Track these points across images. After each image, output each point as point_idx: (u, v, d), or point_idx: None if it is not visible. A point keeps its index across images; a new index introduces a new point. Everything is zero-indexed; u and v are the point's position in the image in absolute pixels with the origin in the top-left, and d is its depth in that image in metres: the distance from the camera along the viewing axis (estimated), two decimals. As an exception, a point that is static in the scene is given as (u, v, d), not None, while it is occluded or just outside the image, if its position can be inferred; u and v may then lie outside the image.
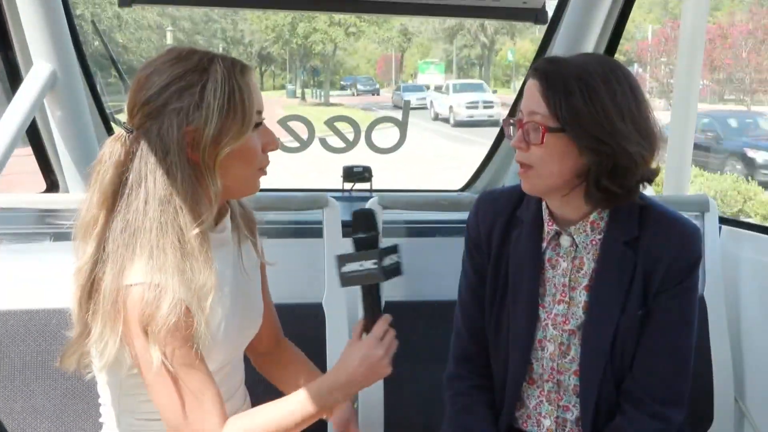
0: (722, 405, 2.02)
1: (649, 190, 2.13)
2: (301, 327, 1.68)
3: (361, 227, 1.28)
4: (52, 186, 2.53)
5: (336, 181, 2.80)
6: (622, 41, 2.56)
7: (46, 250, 1.96)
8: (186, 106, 1.19)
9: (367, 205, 1.98)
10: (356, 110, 24.22)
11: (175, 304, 1.15)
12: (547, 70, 1.34)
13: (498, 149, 2.85)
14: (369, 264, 1.25)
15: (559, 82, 1.31)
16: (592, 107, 1.30)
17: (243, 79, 1.24)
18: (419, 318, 1.98)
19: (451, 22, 34.35)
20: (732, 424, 2.04)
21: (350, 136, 2.53)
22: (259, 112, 1.27)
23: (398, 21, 33.08)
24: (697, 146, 2.64)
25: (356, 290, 1.95)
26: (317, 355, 1.67)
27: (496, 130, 3.02)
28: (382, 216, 1.98)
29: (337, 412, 1.44)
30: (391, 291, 1.98)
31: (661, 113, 1.50)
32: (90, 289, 1.19)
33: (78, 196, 1.49)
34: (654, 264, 1.40)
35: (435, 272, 2.03)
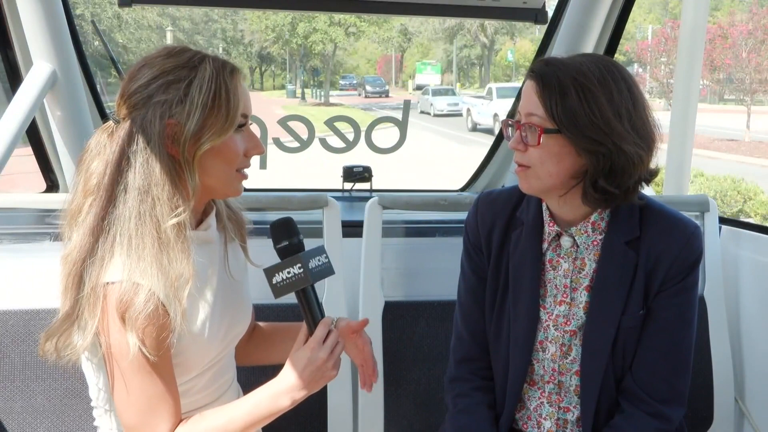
0: (722, 405, 2.02)
1: (649, 191, 2.13)
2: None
3: (283, 236, 1.29)
4: (52, 186, 2.53)
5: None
6: (622, 41, 2.56)
7: (46, 250, 1.96)
8: (170, 100, 1.20)
9: (367, 205, 1.98)
10: (356, 110, 24.22)
11: (150, 297, 1.16)
12: (543, 72, 1.34)
13: (498, 149, 2.86)
14: (296, 270, 1.26)
15: (555, 84, 1.31)
16: (588, 108, 1.30)
17: (231, 80, 1.25)
18: (419, 318, 1.98)
19: (451, 22, 34.38)
20: (732, 424, 2.04)
21: (350, 136, 2.53)
22: (245, 116, 1.28)
23: (398, 21, 33.07)
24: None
25: (357, 290, 1.97)
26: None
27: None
28: (382, 216, 1.98)
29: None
30: (391, 291, 1.99)
31: (661, 113, 1.49)
32: (75, 278, 1.20)
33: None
34: (655, 263, 1.40)
35: (435, 272, 2.04)
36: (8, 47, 2.23)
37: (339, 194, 2.73)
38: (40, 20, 2.05)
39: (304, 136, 2.43)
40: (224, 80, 1.23)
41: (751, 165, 15.34)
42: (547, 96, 1.32)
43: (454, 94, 29.38)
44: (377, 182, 2.84)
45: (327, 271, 1.31)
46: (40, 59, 2.11)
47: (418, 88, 37.30)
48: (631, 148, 1.31)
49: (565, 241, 1.44)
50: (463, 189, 3.04)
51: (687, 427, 1.52)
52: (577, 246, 1.44)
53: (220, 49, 32.66)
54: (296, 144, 2.42)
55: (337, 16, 27.77)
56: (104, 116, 2.52)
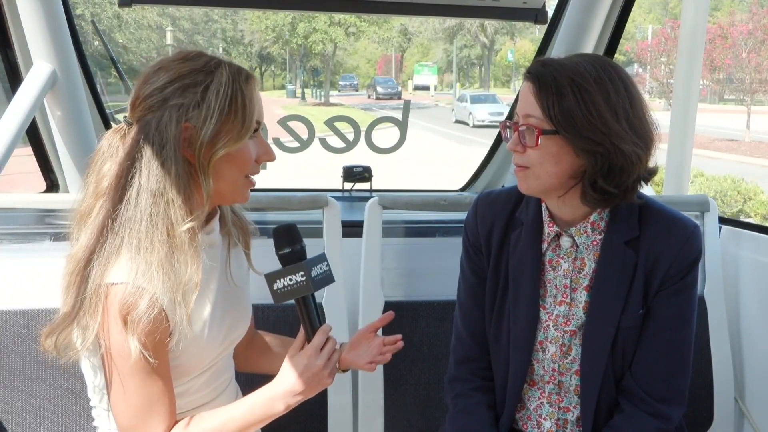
0: (722, 405, 2.02)
1: (649, 191, 2.14)
2: (299, 328, 1.69)
3: (286, 243, 1.29)
4: (52, 186, 2.53)
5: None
6: (622, 41, 2.56)
7: (46, 250, 1.96)
8: (187, 103, 1.20)
9: (367, 205, 1.98)
10: (356, 110, 24.22)
11: (153, 303, 1.16)
12: (540, 73, 1.34)
13: (497, 150, 2.86)
14: (298, 277, 1.26)
15: (552, 84, 1.31)
16: (585, 108, 1.30)
17: (247, 86, 1.25)
18: (419, 318, 1.98)
19: (451, 22, 34.37)
20: (732, 424, 2.04)
21: (350, 136, 2.53)
22: (258, 122, 1.28)
23: (398, 21, 33.07)
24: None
25: (357, 290, 1.97)
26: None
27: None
28: (382, 216, 1.98)
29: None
30: (391, 291, 1.99)
31: (660, 113, 1.49)
32: (79, 276, 1.20)
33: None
34: (655, 263, 1.40)
35: (435, 272, 2.04)
36: (8, 47, 2.23)
37: (339, 194, 2.73)
38: (40, 20, 2.05)
39: (304, 136, 2.43)
40: (240, 86, 1.23)
41: (751, 165, 15.36)
42: (544, 97, 1.32)
43: (495, 101, 26.37)
44: (377, 182, 2.84)
45: (328, 279, 1.31)
46: (40, 59, 2.11)
47: (417, 88, 37.27)
48: (629, 148, 1.30)
49: (565, 241, 1.44)
50: (463, 189, 3.04)
51: (687, 427, 1.52)
52: (577, 246, 1.44)
53: (220, 49, 32.67)
54: (296, 144, 2.42)
55: (337, 16, 27.77)
56: (104, 116, 2.53)
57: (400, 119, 2.58)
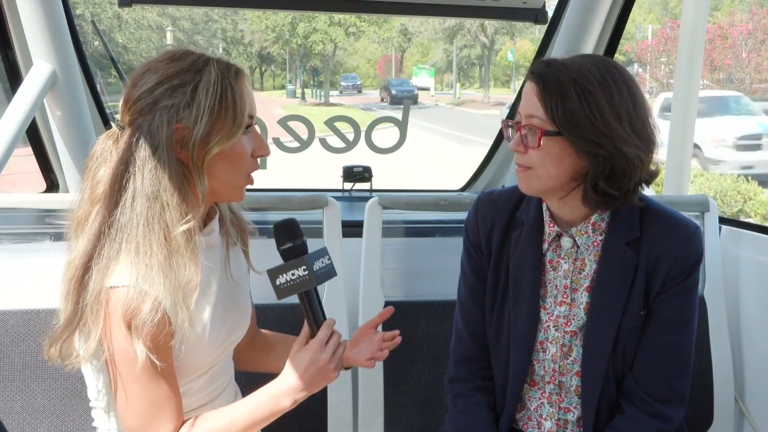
0: (722, 405, 2.02)
1: (649, 191, 2.14)
2: (300, 327, 1.69)
3: (287, 238, 1.29)
4: (52, 186, 2.53)
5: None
6: (622, 41, 2.56)
7: (46, 250, 1.96)
8: (177, 104, 1.20)
9: (367, 205, 1.98)
10: (356, 110, 24.22)
11: (156, 307, 1.16)
12: (544, 73, 1.34)
13: (498, 150, 2.86)
14: (300, 272, 1.26)
15: (555, 86, 1.31)
16: (588, 110, 1.29)
17: (236, 82, 1.24)
18: (419, 318, 1.98)
19: (451, 22, 34.28)
20: (732, 424, 2.04)
21: (350, 136, 2.53)
22: (251, 117, 1.27)
23: (398, 21, 33.02)
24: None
25: (357, 290, 1.97)
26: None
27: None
28: (382, 216, 1.98)
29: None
30: (391, 291, 1.99)
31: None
32: (78, 283, 1.20)
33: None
34: (655, 264, 1.40)
35: (435, 272, 2.04)
36: (8, 47, 2.23)
37: (339, 194, 2.73)
38: (40, 20, 2.05)
39: (304, 136, 2.43)
40: (230, 83, 1.23)
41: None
42: (547, 98, 1.31)
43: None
44: (377, 182, 2.84)
45: (330, 272, 1.31)
46: (40, 59, 2.11)
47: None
48: (631, 151, 1.30)
49: (566, 241, 1.44)
50: (463, 189, 3.04)
51: (687, 427, 1.52)
52: (578, 247, 1.44)
53: (220, 49, 32.64)
54: (296, 144, 2.42)
55: (337, 16, 27.76)
56: (104, 116, 2.52)
57: (400, 119, 2.58)
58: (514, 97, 2.88)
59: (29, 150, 2.44)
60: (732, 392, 2.05)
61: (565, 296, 1.45)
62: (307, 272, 1.26)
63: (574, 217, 1.43)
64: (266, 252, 1.38)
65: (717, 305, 2.05)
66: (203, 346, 1.29)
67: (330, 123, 2.59)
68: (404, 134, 2.57)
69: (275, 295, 1.28)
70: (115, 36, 26.32)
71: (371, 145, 2.52)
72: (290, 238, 1.29)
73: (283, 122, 2.41)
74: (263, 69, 40.28)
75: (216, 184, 1.26)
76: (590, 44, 2.38)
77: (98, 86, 2.51)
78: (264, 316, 1.78)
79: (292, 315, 1.85)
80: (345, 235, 1.95)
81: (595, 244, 1.43)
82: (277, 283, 1.27)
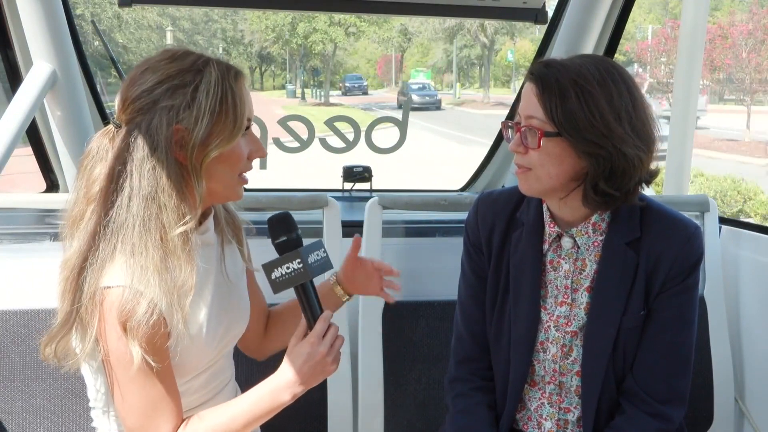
0: (722, 405, 2.03)
1: (649, 191, 2.14)
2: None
3: (281, 231, 1.29)
4: (52, 186, 2.53)
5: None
6: (622, 41, 2.56)
7: (46, 250, 1.96)
8: (177, 105, 1.19)
9: (367, 205, 1.98)
10: (356, 110, 24.21)
11: (152, 308, 1.15)
12: (543, 74, 1.33)
13: (498, 150, 2.86)
14: (295, 265, 1.26)
15: (555, 86, 1.31)
16: (588, 111, 1.29)
17: (236, 84, 1.24)
18: (419, 318, 1.98)
19: (451, 22, 34.28)
20: (732, 424, 2.04)
21: (350, 136, 2.53)
22: (249, 119, 1.27)
23: (398, 21, 33.03)
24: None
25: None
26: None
27: None
28: (382, 216, 1.98)
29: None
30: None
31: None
32: (73, 283, 1.19)
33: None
34: (656, 264, 1.40)
35: (435, 272, 2.04)
36: (8, 47, 2.23)
37: (339, 194, 2.73)
38: (40, 20, 2.05)
39: (304, 136, 2.43)
40: (230, 85, 1.22)
41: (751, 165, 15.35)
42: (547, 98, 1.31)
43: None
44: (377, 182, 2.84)
45: (326, 265, 1.31)
46: (40, 59, 2.11)
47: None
48: (631, 151, 1.30)
49: (566, 242, 1.44)
50: (463, 189, 3.04)
51: (687, 427, 1.52)
52: (578, 247, 1.44)
53: (220, 49, 32.66)
54: (296, 144, 2.42)
55: (337, 16, 27.76)
56: (104, 116, 2.52)
57: (400, 119, 2.58)
58: (514, 97, 2.88)
59: (29, 150, 2.44)
60: (732, 392, 2.05)
61: (565, 296, 1.45)
62: (301, 265, 1.26)
63: (574, 217, 1.43)
64: (266, 251, 1.38)
65: (717, 305, 2.05)
66: (200, 346, 1.28)
67: (330, 123, 2.59)
68: (404, 134, 2.57)
69: (271, 290, 1.28)
70: (115, 36, 26.32)
71: (371, 145, 2.52)
72: (284, 232, 1.29)
73: (283, 122, 2.41)
74: (263, 69, 40.29)
75: (213, 185, 1.26)
76: (590, 44, 2.38)
77: (98, 86, 2.51)
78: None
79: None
80: (345, 235, 1.95)
81: (596, 244, 1.43)
82: (273, 277, 1.26)
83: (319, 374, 1.27)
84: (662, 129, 1.44)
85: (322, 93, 32.31)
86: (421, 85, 30.16)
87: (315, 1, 2.24)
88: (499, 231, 1.51)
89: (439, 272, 1.98)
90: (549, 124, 1.32)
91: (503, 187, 2.81)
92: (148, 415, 1.21)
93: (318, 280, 1.67)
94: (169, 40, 28.27)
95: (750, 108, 19.52)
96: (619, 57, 2.53)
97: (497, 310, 1.50)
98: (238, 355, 1.51)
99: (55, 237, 1.99)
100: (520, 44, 37.51)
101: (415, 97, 26.81)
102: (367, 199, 2.02)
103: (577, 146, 1.31)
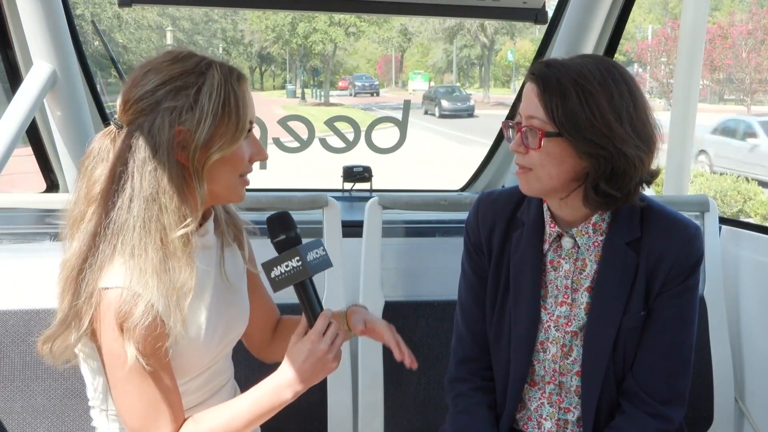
0: (722, 405, 2.03)
1: (649, 191, 2.14)
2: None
3: (280, 230, 1.29)
4: (52, 186, 2.53)
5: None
6: (622, 41, 2.57)
7: (46, 250, 1.96)
8: (180, 106, 1.19)
9: (367, 205, 1.98)
10: (356, 110, 24.21)
11: (149, 310, 1.15)
12: (544, 74, 1.33)
13: (498, 150, 2.86)
14: (294, 263, 1.26)
15: (556, 86, 1.31)
16: (589, 111, 1.29)
17: (239, 86, 1.24)
18: (419, 318, 1.98)
19: (451, 22, 34.25)
20: (732, 424, 2.04)
21: (350, 136, 2.53)
22: (251, 122, 1.27)
23: (398, 21, 33.01)
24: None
25: (357, 290, 1.97)
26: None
27: None
28: (382, 216, 1.98)
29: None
30: (391, 291, 1.99)
31: (661, 113, 1.49)
32: (72, 283, 1.19)
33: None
34: (656, 264, 1.40)
35: (435, 272, 2.04)
36: (8, 47, 2.23)
37: (339, 194, 2.73)
38: (40, 20, 2.05)
39: (304, 136, 2.43)
40: (233, 87, 1.22)
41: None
42: (547, 99, 1.31)
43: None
44: (377, 182, 2.84)
45: (325, 263, 1.30)
46: (40, 59, 2.11)
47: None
48: (632, 151, 1.30)
49: (566, 242, 1.44)
50: (463, 189, 3.04)
51: (687, 427, 1.52)
52: (578, 247, 1.44)
53: (220, 49, 32.67)
54: (296, 144, 2.43)
55: (337, 16, 27.76)
56: (104, 116, 2.52)
57: (400, 119, 2.58)
58: (514, 97, 2.88)
59: (29, 150, 2.45)
60: (732, 392, 2.05)
61: (565, 296, 1.45)
62: (300, 263, 1.26)
63: (574, 217, 1.43)
64: (266, 251, 1.38)
65: (717, 305, 2.05)
66: (199, 348, 1.28)
67: (330, 123, 2.59)
68: (404, 134, 2.57)
69: (271, 288, 1.28)
70: (115, 36, 26.32)
71: (371, 145, 2.52)
72: (283, 230, 1.29)
73: (283, 122, 2.41)
74: (263, 69, 40.27)
75: (214, 187, 1.26)
76: (590, 44, 2.38)
77: (98, 86, 2.51)
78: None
79: (291, 312, 1.85)
80: (345, 235, 1.95)
81: (596, 244, 1.43)
82: (272, 275, 1.27)
83: (321, 371, 1.27)
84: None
85: (322, 93, 32.30)
86: (449, 88, 26.43)
87: (315, 1, 2.24)
88: (499, 231, 1.51)
89: (439, 272, 1.98)
90: (550, 124, 1.32)
91: (503, 187, 2.81)
92: (149, 415, 1.21)
93: (331, 295, 1.67)
94: (169, 40, 28.27)
95: (750, 108, 19.52)
96: (619, 57, 2.53)
97: (497, 310, 1.50)
98: (238, 355, 1.51)
99: (55, 237, 1.99)
100: (520, 44, 37.51)
101: (444, 103, 23.67)
102: (367, 199, 2.02)
103: (578, 146, 1.31)
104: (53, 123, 2.28)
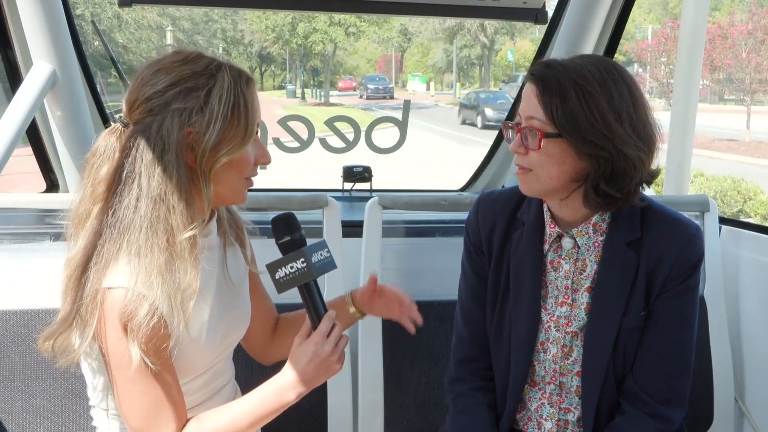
0: (722, 405, 2.03)
1: (649, 191, 2.14)
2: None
3: (285, 231, 1.29)
4: (52, 186, 2.53)
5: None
6: (622, 41, 2.57)
7: (46, 250, 1.96)
8: (190, 108, 1.19)
9: (367, 205, 1.98)
10: (356, 110, 24.20)
11: (153, 311, 1.15)
12: (544, 75, 1.33)
13: (498, 150, 2.86)
14: (299, 264, 1.26)
15: (555, 87, 1.31)
16: (589, 112, 1.29)
17: (248, 90, 1.24)
18: None
19: (451, 22, 34.26)
20: (732, 424, 2.04)
21: (350, 136, 2.53)
22: (258, 125, 1.27)
23: (398, 21, 33.00)
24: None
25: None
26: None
27: None
28: (382, 216, 1.98)
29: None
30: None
31: (661, 113, 1.49)
32: (76, 281, 1.19)
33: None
34: (656, 265, 1.40)
35: (435, 272, 2.04)
36: (8, 47, 2.23)
37: (339, 194, 2.73)
38: (40, 20, 2.05)
39: (304, 136, 2.43)
40: (242, 90, 1.22)
41: (751, 165, 15.35)
42: (547, 99, 1.31)
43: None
44: (377, 182, 2.85)
45: (329, 265, 1.31)
46: (40, 59, 2.11)
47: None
48: (632, 152, 1.30)
49: (566, 242, 1.44)
50: (463, 189, 3.04)
51: (687, 427, 1.52)
52: (578, 247, 1.44)
53: (220, 49, 32.67)
54: (296, 144, 2.42)
55: (337, 16, 27.76)
56: (104, 116, 2.53)
57: (400, 119, 2.58)
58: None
59: (29, 150, 2.45)
60: (732, 392, 2.05)
61: (565, 297, 1.45)
62: (305, 264, 1.26)
63: (574, 217, 1.43)
64: (267, 251, 1.38)
65: (717, 305, 2.05)
66: (200, 348, 1.28)
67: (330, 123, 2.59)
68: (404, 134, 2.57)
69: (276, 290, 1.28)
70: (115, 36, 26.32)
71: (371, 145, 2.52)
72: (288, 232, 1.29)
73: (283, 122, 2.41)
74: (263, 69, 40.26)
75: (220, 190, 1.26)
76: (590, 44, 2.38)
77: (98, 86, 2.51)
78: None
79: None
80: (345, 235, 1.95)
81: (596, 244, 1.43)
82: (277, 276, 1.26)
83: (324, 373, 1.27)
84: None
85: (322, 93, 32.28)
86: (493, 94, 23.08)
87: (315, 1, 2.24)
88: (499, 231, 1.51)
89: (439, 272, 1.98)
90: (549, 124, 1.32)
91: (503, 187, 2.81)
92: (151, 415, 1.21)
93: (331, 296, 1.68)
94: (169, 40, 28.27)
95: (750, 108, 19.51)
96: (619, 57, 2.53)
97: (497, 311, 1.50)
98: (238, 355, 1.51)
99: (55, 237, 1.99)
100: (520, 44, 37.52)
101: (488, 112, 20.68)
102: (367, 199, 2.02)
103: (578, 147, 1.31)
104: (53, 123, 2.28)
